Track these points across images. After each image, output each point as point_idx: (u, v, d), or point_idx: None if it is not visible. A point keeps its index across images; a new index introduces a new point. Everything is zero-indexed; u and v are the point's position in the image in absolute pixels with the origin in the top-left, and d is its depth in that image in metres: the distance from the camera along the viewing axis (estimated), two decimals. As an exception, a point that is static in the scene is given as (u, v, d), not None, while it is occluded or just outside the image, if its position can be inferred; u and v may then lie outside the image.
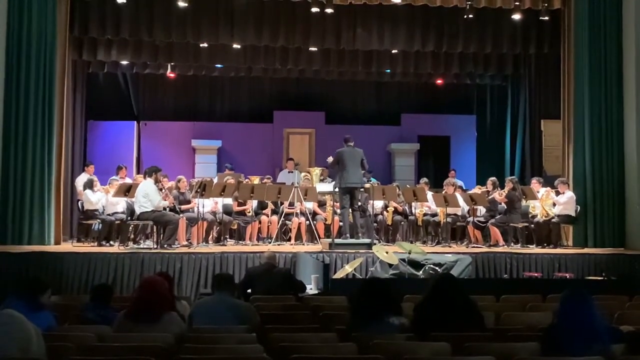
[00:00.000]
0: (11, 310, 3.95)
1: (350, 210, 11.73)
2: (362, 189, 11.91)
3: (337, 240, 11.52)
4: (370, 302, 5.01)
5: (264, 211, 13.07)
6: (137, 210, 11.31)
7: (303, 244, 12.52)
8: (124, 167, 13.72)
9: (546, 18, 13.20)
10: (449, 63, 15.49)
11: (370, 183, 12.90)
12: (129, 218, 11.94)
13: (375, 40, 13.93)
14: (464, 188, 14.62)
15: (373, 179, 14.42)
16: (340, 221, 12.63)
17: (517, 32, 14.12)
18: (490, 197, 12.68)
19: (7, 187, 11.69)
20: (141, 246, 11.88)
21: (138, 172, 15.65)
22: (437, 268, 10.11)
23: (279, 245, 12.32)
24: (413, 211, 13.36)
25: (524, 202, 12.67)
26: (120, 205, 12.32)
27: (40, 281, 5.60)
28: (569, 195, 12.38)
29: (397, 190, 13.34)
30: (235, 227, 13.03)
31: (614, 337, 4.62)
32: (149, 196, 11.13)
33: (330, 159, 11.89)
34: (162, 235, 11.29)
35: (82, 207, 12.36)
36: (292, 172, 15.25)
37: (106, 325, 5.40)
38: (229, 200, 12.74)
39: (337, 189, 11.89)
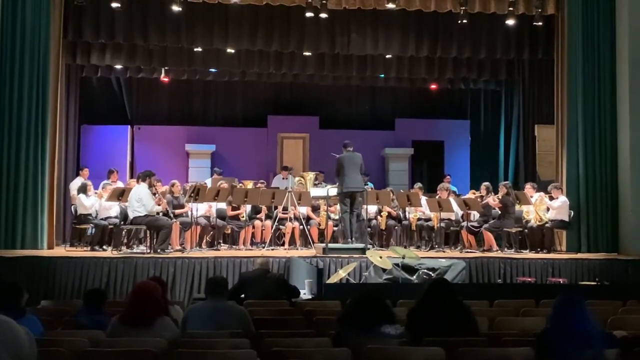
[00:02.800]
0: (0, 315, 3.91)
1: (349, 214, 11.75)
2: (362, 192, 11.90)
3: (331, 245, 11.54)
4: (363, 314, 4.98)
5: (257, 216, 13.05)
6: (131, 215, 11.28)
7: (297, 249, 12.50)
8: (116, 170, 13.69)
9: (540, 24, 13.23)
10: (443, 68, 15.51)
11: (365, 187, 12.88)
12: (122, 223, 11.92)
13: (370, 45, 13.94)
14: (458, 193, 14.63)
15: (370, 183, 14.43)
16: (335, 226, 12.64)
17: (511, 37, 14.14)
18: (484, 202, 12.70)
19: (0, 191, 11.65)
20: (134, 251, 11.85)
21: (132, 177, 15.62)
22: (430, 273, 10.11)
23: (272, 250, 12.30)
24: (407, 216, 13.37)
25: (517, 207, 12.69)
26: (113, 209, 12.29)
27: (17, 285, 5.52)
28: (562, 200, 12.41)
29: (391, 195, 13.34)
30: (229, 231, 13.00)
31: (607, 342, 4.62)
32: (142, 201, 11.11)
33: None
34: (155, 240, 11.27)
35: (76, 211, 12.33)
36: (285, 179, 15.29)
37: (99, 330, 5.38)
38: (222, 205, 12.72)
39: (337, 194, 11.92)
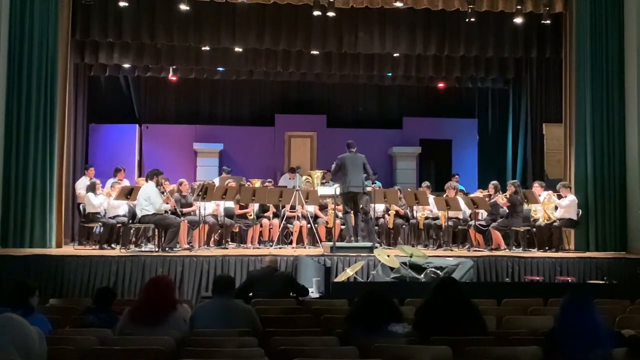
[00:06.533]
0: (10, 313, 3.93)
1: (352, 213, 11.77)
2: (364, 193, 11.90)
3: (339, 244, 11.53)
4: (370, 312, 4.98)
5: (265, 214, 13.07)
6: (139, 214, 11.32)
7: (304, 247, 12.52)
8: (122, 169, 13.71)
9: (548, 22, 13.19)
10: (450, 66, 15.48)
11: (373, 186, 12.88)
12: (130, 221, 11.95)
13: (377, 43, 13.93)
14: (466, 192, 14.60)
15: (378, 182, 14.42)
16: (342, 224, 12.64)
17: (519, 35, 14.11)
18: (492, 201, 12.68)
19: (8, 190, 11.70)
20: (143, 249, 11.88)
21: (140, 175, 15.66)
22: (438, 272, 10.11)
23: (280, 248, 12.31)
24: (414, 214, 13.36)
25: (525, 206, 12.66)
26: (121, 208, 12.33)
27: (27, 284, 5.56)
28: (570, 198, 12.37)
29: (399, 193, 13.34)
30: (237, 230, 13.02)
31: (615, 341, 4.61)
32: (150, 199, 11.14)
33: (333, 166, 11.99)
34: (163, 239, 11.30)
35: (84, 210, 12.36)
36: (293, 179, 15.29)
37: (108, 328, 5.39)
38: (230, 204, 12.74)
39: (339, 194, 11.97)
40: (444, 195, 13.09)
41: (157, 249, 11.40)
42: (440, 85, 17.68)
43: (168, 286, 5.34)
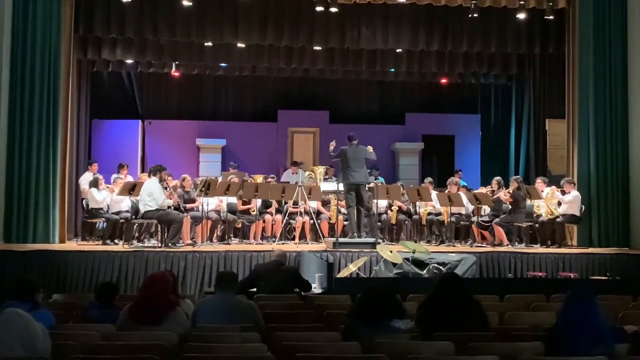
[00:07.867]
0: (16, 309, 3.95)
1: (356, 208, 11.75)
2: (366, 188, 11.89)
3: (341, 240, 11.54)
4: (373, 308, 4.99)
5: (268, 210, 13.07)
6: (142, 209, 11.33)
7: (307, 243, 12.52)
8: (126, 165, 13.72)
9: (551, 17, 13.17)
10: (453, 62, 15.45)
11: (375, 182, 12.87)
12: (133, 217, 11.96)
13: (380, 39, 13.92)
14: (468, 188, 14.59)
15: (380, 177, 14.40)
16: (345, 220, 12.64)
17: (522, 31, 14.09)
18: (495, 197, 12.67)
19: (12, 185, 11.71)
20: (146, 245, 11.89)
21: (143, 171, 15.67)
22: (441, 267, 10.11)
23: (283, 244, 12.30)
24: (417, 210, 13.36)
25: (528, 202, 12.66)
26: (124, 203, 12.33)
27: (32, 280, 5.60)
28: (574, 194, 12.36)
29: (401, 189, 13.33)
30: (240, 226, 13.03)
31: (617, 337, 4.62)
32: (153, 195, 11.16)
33: (332, 144, 11.93)
34: (166, 234, 11.32)
35: (87, 205, 12.37)
36: (295, 174, 15.29)
37: (110, 324, 5.41)
38: (233, 199, 12.74)
39: (341, 188, 11.96)
40: (447, 191, 13.09)
41: (160, 245, 11.42)
42: (443, 81, 17.66)
43: (165, 283, 5.32)
